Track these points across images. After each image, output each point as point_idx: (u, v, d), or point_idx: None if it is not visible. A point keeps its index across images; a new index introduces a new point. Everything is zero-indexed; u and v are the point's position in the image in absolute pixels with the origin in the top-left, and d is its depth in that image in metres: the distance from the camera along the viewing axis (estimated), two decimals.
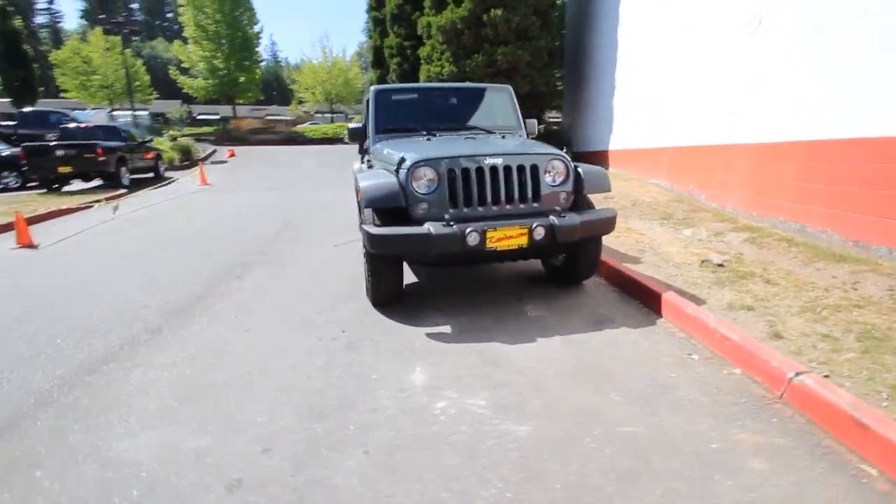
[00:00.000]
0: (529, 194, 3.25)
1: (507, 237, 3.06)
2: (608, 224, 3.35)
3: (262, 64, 34.78)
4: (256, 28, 29.32)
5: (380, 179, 3.18)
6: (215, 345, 2.98)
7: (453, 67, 11.82)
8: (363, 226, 3.14)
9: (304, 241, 5.93)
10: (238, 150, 20.21)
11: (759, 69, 5.10)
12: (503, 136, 4.20)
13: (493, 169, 3.19)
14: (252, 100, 32.21)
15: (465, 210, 3.16)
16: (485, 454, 1.85)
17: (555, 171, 3.34)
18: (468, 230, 2.95)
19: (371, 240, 3.01)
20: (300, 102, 39.28)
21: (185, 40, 28.26)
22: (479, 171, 3.18)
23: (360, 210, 6.13)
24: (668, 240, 5.01)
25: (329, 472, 1.78)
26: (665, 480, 1.68)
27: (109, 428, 2.12)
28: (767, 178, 4.99)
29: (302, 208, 8.43)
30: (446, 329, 3.08)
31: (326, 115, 40.25)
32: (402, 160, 3.17)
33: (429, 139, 3.95)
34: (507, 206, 3.22)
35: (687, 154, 6.75)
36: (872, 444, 1.72)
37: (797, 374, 2.10)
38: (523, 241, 3.09)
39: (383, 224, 3.11)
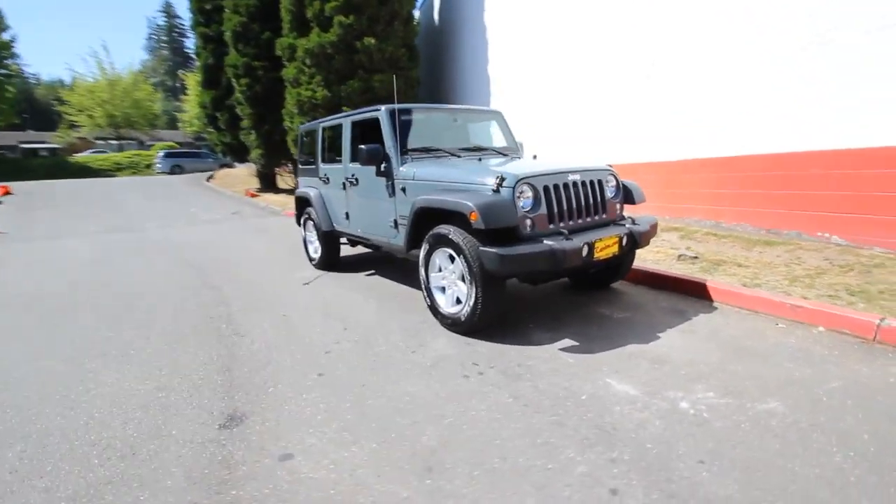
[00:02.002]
0: (600, 205, 3.54)
1: (607, 247, 3.27)
2: (656, 229, 3.84)
3: (15, 80, 27.24)
4: (6, 36, 23.01)
5: (486, 199, 3.04)
6: (349, 409, 2.41)
7: (327, 92, 11.41)
8: (482, 248, 2.95)
9: (255, 284, 5.02)
10: (12, 185, 15.42)
11: (658, 103, 6.43)
12: (534, 156, 4.40)
13: (574, 184, 3.38)
14: (2, 124, 24.90)
15: (561, 224, 3.27)
16: (788, 432, 2.01)
17: (610, 183, 3.70)
18: (582, 243, 3.07)
19: (501, 261, 2.87)
20: (71, 127, 31.85)
21: None
22: (566, 186, 3.33)
23: (320, 240, 5.46)
24: None
25: (701, 489, 1.71)
26: None
27: None
28: (677, 188, 6.29)
29: (190, 252, 7.00)
30: (570, 342, 3.10)
31: (112, 142, 33.52)
32: (503, 178, 3.10)
33: (480, 159, 3.90)
34: (588, 219, 3.44)
35: None
36: None
37: (882, 320, 2.83)
38: (616, 249, 3.35)
39: (484, 244, 3.00)
